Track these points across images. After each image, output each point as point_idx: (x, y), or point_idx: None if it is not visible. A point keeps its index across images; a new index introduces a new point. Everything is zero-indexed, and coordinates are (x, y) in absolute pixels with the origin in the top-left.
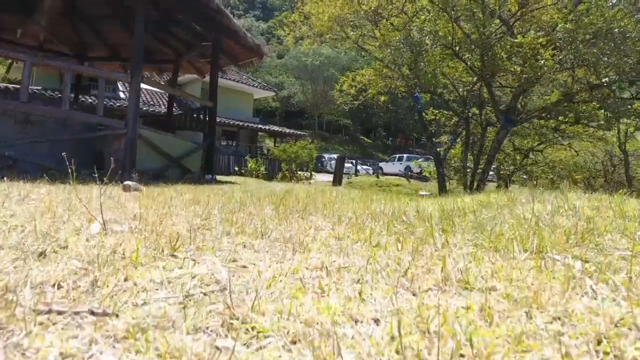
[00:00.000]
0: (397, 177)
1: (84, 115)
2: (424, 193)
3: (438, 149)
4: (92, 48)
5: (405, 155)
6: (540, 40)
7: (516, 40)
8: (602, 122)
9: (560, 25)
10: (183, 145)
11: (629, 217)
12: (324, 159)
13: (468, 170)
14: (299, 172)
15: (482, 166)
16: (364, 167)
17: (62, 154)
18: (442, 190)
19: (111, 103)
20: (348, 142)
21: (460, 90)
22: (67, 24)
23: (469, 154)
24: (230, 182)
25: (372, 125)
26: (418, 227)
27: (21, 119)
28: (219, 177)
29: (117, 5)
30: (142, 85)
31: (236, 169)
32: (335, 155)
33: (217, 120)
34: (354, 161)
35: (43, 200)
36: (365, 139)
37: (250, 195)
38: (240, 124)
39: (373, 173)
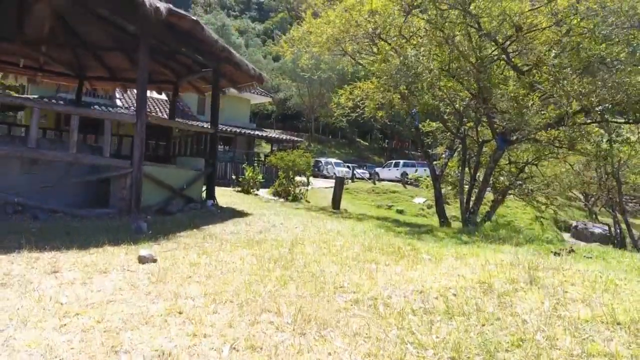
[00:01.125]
0: (394, 184)
1: (91, 157)
2: (419, 200)
3: (434, 162)
4: (92, 69)
5: (401, 161)
6: (523, 91)
7: (499, 91)
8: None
9: (552, 59)
10: (185, 175)
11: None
12: (320, 164)
13: (465, 186)
14: (297, 178)
15: (478, 185)
16: (361, 170)
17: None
18: (441, 214)
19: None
20: (344, 145)
21: (457, 104)
22: (68, 51)
23: (465, 171)
24: (233, 211)
25: (369, 127)
26: None
27: (28, 162)
28: (217, 188)
29: (120, 39)
30: None
31: (233, 177)
32: (332, 160)
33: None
34: (350, 165)
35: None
36: (362, 142)
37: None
38: (237, 130)
39: (369, 178)
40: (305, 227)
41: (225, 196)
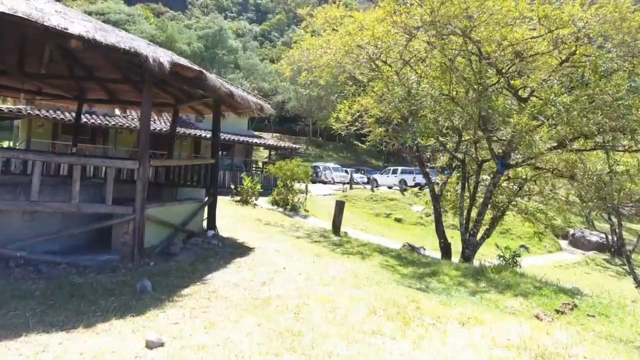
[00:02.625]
0: (392, 191)
1: (94, 206)
2: (417, 208)
3: (433, 179)
4: (92, 92)
5: (399, 168)
6: (526, 120)
7: (511, 120)
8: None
9: (558, 98)
10: (186, 210)
11: None
12: (318, 169)
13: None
14: (296, 186)
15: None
16: (359, 175)
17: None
18: (441, 235)
19: (106, 122)
20: (342, 149)
21: (456, 122)
22: (69, 81)
23: (465, 193)
24: (234, 245)
25: (367, 131)
26: None
27: (29, 212)
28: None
29: (128, 74)
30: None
31: (232, 187)
32: (330, 165)
33: None
34: (348, 170)
35: None
36: (360, 145)
37: None
38: (236, 138)
39: (367, 183)
40: (308, 275)
41: (224, 211)
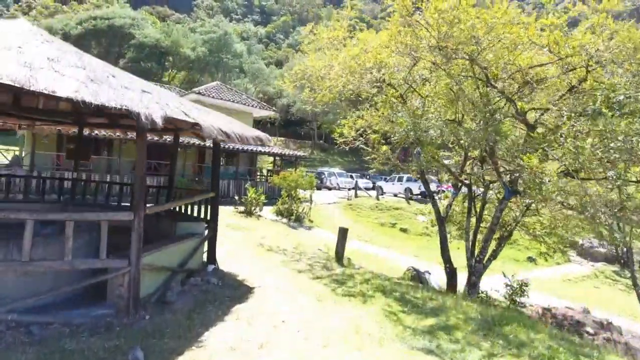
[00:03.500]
0: (397, 199)
1: (87, 262)
2: (423, 218)
3: (437, 198)
4: (92, 117)
5: (405, 176)
6: (535, 160)
7: (521, 162)
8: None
9: (568, 141)
10: (185, 248)
11: None
12: (323, 176)
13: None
14: (300, 194)
15: (485, 227)
16: (364, 181)
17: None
18: (447, 260)
19: (110, 133)
20: (347, 153)
21: (462, 139)
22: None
23: (471, 217)
24: (234, 285)
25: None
26: None
27: (22, 272)
28: (219, 209)
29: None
30: None
31: (236, 197)
32: (335, 170)
33: None
34: (353, 175)
35: None
36: (365, 148)
37: None
38: (240, 147)
39: (372, 188)
40: (307, 331)
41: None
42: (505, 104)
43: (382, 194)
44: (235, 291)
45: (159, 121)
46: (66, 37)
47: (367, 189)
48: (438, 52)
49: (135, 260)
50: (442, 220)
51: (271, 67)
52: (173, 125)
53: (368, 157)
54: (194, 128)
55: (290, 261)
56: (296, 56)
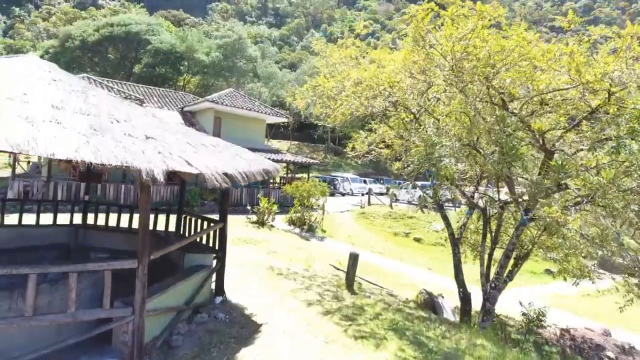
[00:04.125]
0: (410, 207)
1: (91, 312)
2: (437, 227)
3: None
4: None
5: (419, 183)
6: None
7: (541, 214)
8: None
9: (594, 179)
10: (192, 283)
11: None
12: (336, 181)
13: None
14: (313, 201)
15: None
16: (377, 185)
17: None
18: (460, 284)
19: None
20: (361, 156)
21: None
22: None
23: (485, 241)
24: (241, 321)
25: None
26: None
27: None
28: (231, 217)
29: None
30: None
31: (248, 207)
32: (348, 176)
33: None
34: (366, 180)
35: None
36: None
37: None
38: None
39: (386, 193)
40: None
41: (238, 238)
42: (521, 126)
43: (395, 202)
44: (242, 330)
45: (161, 177)
46: (84, 43)
47: (380, 194)
48: (453, 76)
49: (139, 309)
50: (456, 243)
51: (284, 70)
52: (177, 174)
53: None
54: (199, 176)
55: (300, 289)
56: (309, 59)
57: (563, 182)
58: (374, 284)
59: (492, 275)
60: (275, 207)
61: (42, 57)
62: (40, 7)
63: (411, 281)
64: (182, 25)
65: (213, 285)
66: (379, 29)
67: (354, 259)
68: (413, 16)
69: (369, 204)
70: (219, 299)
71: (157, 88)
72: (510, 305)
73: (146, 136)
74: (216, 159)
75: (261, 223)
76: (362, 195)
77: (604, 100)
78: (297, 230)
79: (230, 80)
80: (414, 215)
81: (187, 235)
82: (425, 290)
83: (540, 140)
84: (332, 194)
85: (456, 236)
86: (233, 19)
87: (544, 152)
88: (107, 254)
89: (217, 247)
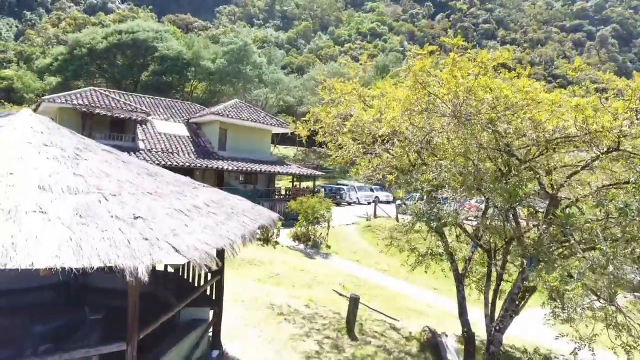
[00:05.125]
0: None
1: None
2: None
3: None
4: None
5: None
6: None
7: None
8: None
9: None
10: (188, 343)
11: None
12: (343, 191)
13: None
14: (318, 215)
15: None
16: (385, 194)
17: None
18: (465, 324)
19: None
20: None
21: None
22: None
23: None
24: None
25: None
26: None
27: None
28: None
29: None
30: (162, 130)
31: None
32: (355, 184)
33: (237, 166)
34: (373, 188)
35: None
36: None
37: None
38: (259, 169)
39: (393, 201)
40: None
41: (241, 259)
42: (530, 175)
43: (402, 213)
44: None
45: (145, 277)
46: (93, 51)
47: (387, 202)
48: (455, 120)
49: None
50: (460, 280)
51: (291, 76)
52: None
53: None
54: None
55: (300, 336)
56: (316, 64)
57: (568, 236)
58: (378, 312)
59: (497, 308)
60: (280, 223)
61: (51, 64)
62: (51, 12)
63: (416, 306)
64: (190, 29)
65: (210, 333)
66: (386, 32)
67: (354, 303)
68: (411, 67)
69: (375, 216)
70: (215, 353)
71: (163, 99)
72: (515, 326)
73: (134, 216)
74: (209, 230)
75: (266, 240)
76: (369, 203)
77: (613, 147)
78: (302, 246)
79: (237, 86)
80: (421, 229)
81: (185, 277)
82: (428, 328)
83: (546, 185)
84: (338, 204)
85: (460, 271)
86: (241, 22)
87: (550, 198)
88: (107, 298)
89: (214, 299)
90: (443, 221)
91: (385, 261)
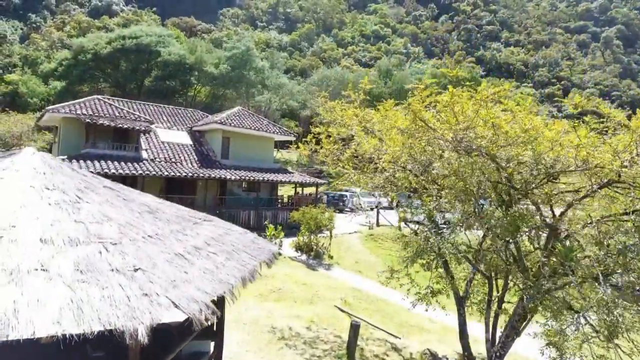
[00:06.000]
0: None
1: None
2: None
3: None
4: None
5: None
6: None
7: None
8: None
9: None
10: None
11: None
12: (345, 198)
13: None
14: (321, 222)
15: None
16: (387, 199)
17: None
18: (465, 347)
19: (133, 171)
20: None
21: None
22: None
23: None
24: None
25: None
26: None
27: None
28: None
29: None
30: (165, 139)
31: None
32: (358, 191)
33: (239, 175)
34: (375, 194)
35: None
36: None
37: None
38: (261, 178)
39: (397, 206)
40: None
41: None
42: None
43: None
44: None
45: (145, 338)
46: (97, 56)
47: (390, 208)
48: (455, 153)
49: None
50: (461, 302)
51: (293, 81)
52: None
53: None
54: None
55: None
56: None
57: (568, 272)
58: (379, 328)
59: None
60: (282, 234)
61: (56, 69)
62: (56, 14)
63: (417, 321)
64: (194, 32)
65: None
66: (389, 34)
67: (354, 330)
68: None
69: (378, 224)
70: None
71: (166, 106)
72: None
73: (134, 268)
74: (209, 275)
75: None
76: (371, 209)
77: (615, 176)
78: (304, 257)
79: (240, 90)
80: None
81: None
82: (429, 350)
83: (546, 214)
84: (340, 211)
85: (461, 294)
86: (244, 24)
87: (549, 229)
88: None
89: (215, 331)
90: (444, 258)
91: (388, 272)
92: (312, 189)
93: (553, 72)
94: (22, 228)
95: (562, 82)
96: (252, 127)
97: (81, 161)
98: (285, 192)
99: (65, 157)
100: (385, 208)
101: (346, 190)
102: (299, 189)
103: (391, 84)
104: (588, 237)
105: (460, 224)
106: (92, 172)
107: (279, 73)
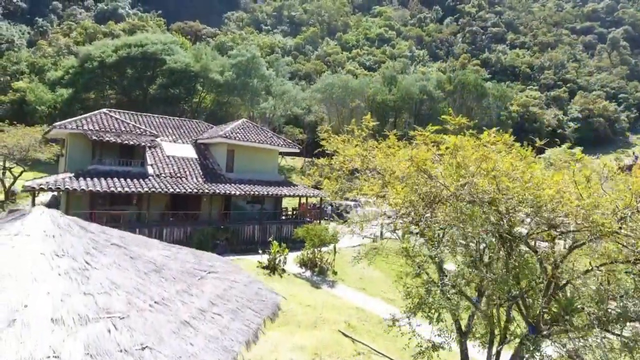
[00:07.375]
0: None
1: None
2: (451, 267)
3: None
4: None
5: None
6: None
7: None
8: None
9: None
10: None
11: None
12: (349, 208)
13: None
14: (325, 238)
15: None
16: (390, 207)
17: None
18: None
19: (139, 189)
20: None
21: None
22: None
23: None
24: None
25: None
26: None
27: None
28: (242, 259)
29: None
30: (170, 153)
31: (260, 252)
32: (364, 200)
33: (243, 190)
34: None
35: None
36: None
37: None
38: (266, 192)
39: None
40: None
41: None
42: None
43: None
44: None
45: None
46: (103, 64)
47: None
48: (455, 199)
49: None
50: (464, 334)
51: (298, 86)
52: None
53: None
54: None
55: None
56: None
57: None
58: (382, 354)
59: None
60: (286, 251)
61: (62, 77)
62: (62, 17)
63: (421, 343)
64: (199, 36)
65: None
66: (394, 37)
67: None
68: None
69: (382, 237)
70: None
71: (171, 118)
72: None
73: (142, 346)
74: (213, 344)
75: (272, 269)
76: (374, 237)
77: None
78: (308, 273)
79: (245, 97)
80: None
81: None
82: None
83: (546, 265)
84: (344, 221)
85: (464, 329)
86: (248, 28)
87: (550, 278)
88: None
89: None
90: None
91: (391, 289)
92: (317, 198)
93: (559, 75)
94: (33, 308)
95: (568, 85)
96: (257, 140)
97: (88, 179)
98: (289, 202)
99: (73, 174)
100: (389, 217)
101: (352, 200)
102: (303, 200)
103: (396, 91)
104: (589, 284)
105: (462, 277)
106: (99, 190)
107: (283, 80)
